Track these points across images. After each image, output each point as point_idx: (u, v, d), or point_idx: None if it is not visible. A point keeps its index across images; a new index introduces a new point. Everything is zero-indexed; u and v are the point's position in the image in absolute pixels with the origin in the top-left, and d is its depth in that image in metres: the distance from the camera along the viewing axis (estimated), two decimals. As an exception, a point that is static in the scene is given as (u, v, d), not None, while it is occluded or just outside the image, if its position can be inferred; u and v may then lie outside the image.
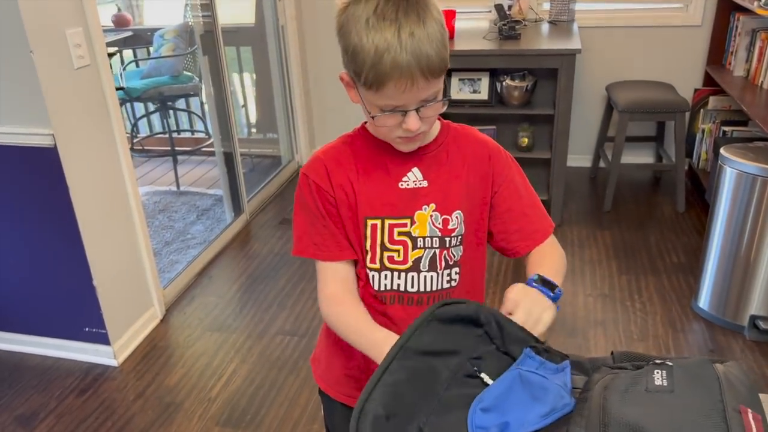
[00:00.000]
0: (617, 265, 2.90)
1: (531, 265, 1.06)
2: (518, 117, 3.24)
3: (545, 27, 3.52)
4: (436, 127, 1.08)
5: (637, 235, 3.15)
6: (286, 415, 2.10)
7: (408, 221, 1.04)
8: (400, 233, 1.05)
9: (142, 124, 4.66)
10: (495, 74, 3.20)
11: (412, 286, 1.06)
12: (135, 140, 4.33)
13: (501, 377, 0.82)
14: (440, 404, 0.82)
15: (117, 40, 4.41)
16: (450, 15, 3.23)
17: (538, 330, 0.89)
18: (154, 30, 4.22)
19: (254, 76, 4.27)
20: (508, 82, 3.11)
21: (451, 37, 3.27)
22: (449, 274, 1.07)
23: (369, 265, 1.07)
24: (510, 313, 0.90)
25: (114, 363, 2.37)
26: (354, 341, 1.03)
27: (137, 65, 4.42)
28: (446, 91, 0.99)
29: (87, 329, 2.35)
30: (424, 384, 0.83)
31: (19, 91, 1.98)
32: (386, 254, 1.05)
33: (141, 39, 4.34)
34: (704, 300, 2.53)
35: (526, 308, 0.90)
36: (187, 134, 4.55)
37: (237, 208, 3.46)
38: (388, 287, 1.07)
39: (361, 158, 1.06)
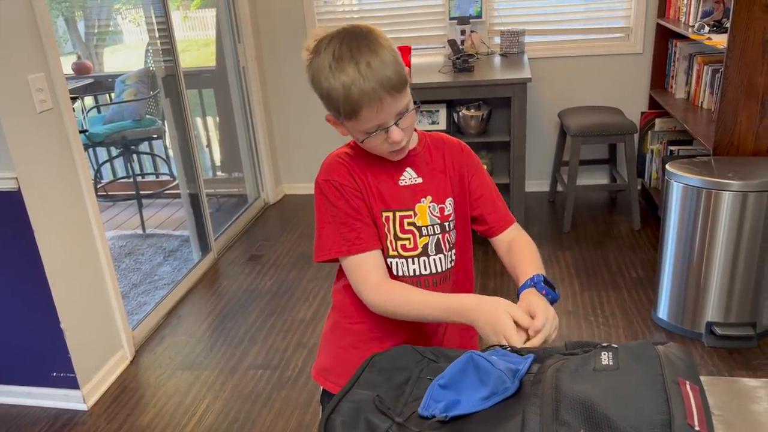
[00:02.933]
0: (579, 283, 2.99)
1: (516, 257, 1.19)
2: (476, 145, 3.35)
3: (497, 59, 3.68)
4: (415, 136, 1.24)
5: (596, 254, 3.26)
6: (262, 447, 2.10)
7: (411, 213, 1.19)
8: (408, 224, 1.19)
9: (106, 170, 4.66)
10: (452, 105, 3.32)
11: (425, 269, 1.20)
12: (99, 185, 4.31)
13: (458, 359, 0.88)
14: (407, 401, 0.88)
15: (78, 87, 4.43)
16: (406, 51, 3.36)
17: (551, 339, 1.00)
18: (115, 76, 4.26)
19: (217, 117, 4.34)
20: (464, 111, 3.23)
21: (408, 71, 3.39)
22: (451, 256, 1.22)
23: (391, 254, 1.19)
24: (537, 330, 0.99)
25: (83, 407, 2.34)
26: (431, 315, 1.12)
27: (99, 111, 4.44)
28: (415, 100, 1.15)
29: (55, 374, 2.32)
30: (392, 391, 0.90)
31: (-19, 137, 2.00)
32: (399, 243, 1.18)
33: (102, 85, 4.37)
34: (663, 310, 2.63)
35: (550, 326, 1.00)
36: (152, 177, 4.55)
37: (204, 248, 3.47)
38: (407, 273, 1.19)
39: (365, 162, 1.19)
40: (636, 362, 0.79)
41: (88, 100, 4.62)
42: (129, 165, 4.21)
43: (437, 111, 3.32)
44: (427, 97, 3.25)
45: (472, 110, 3.24)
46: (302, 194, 4.35)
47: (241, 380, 2.46)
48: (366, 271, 1.15)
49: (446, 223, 1.21)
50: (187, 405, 2.34)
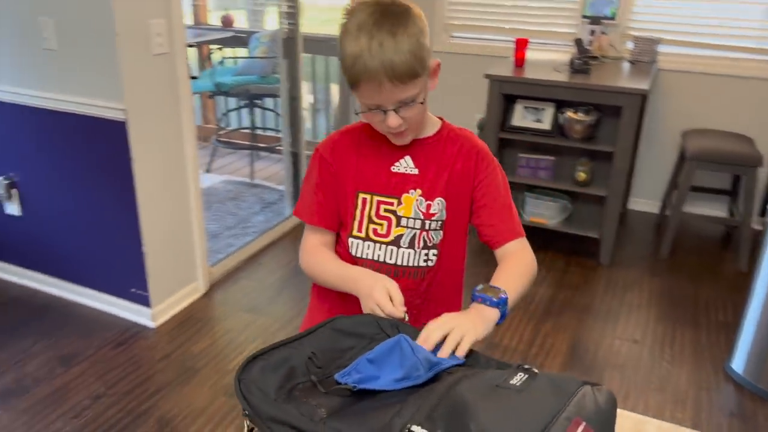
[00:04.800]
0: (656, 313, 2.80)
1: (498, 269, 1.16)
2: (578, 151, 3.22)
3: (625, 66, 3.47)
4: (436, 123, 1.23)
5: (687, 287, 3.03)
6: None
7: (395, 201, 1.19)
8: (386, 210, 1.19)
9: (231, 118, 4.99)
10: (561, 106, 3.19)
11: (390, 258, 1.20)
12: (222, 131, 4.65)
13: (388, 339, 0.90)
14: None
15: (223, 38, 4.77)
16: (522, 43, 3.28)
17: (460, 352, 0.96)
18: (253, 33, 4.54)
19: (337, 85, 4.50)
20: (569, 114, 3.10)
21: (521, 65, 3.30)
22: (426, 255, 1.20)
23: (355, 233, 1.21)
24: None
25: (151, 324, 2.59)
26: (332, 282, 1.20)
27: (235, 62, 4.77)
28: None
29: (132, 290, 2.58)
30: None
31: (100, 67, 2.25)
32: (372, 226, 1.20)
33: (241, 40, 4.67)
34: (738, 362, 2.40)
35: (442, 333, 0.97)
36: (270, 132, 4.82)
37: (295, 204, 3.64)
38: (369, 256, 1.20)
39: (365, 139, 1.22)
40: (547, 392, 0.76)
41: (228, 51, 4.97)
42: (251, 117, 4.49)
43: (543, 109, 3.21)
44: (535, 94, 3.16)
45: (580, 114, 3.10)
46: (404, 172, 4.40)
47: (292, 332, 2.59)
48: (308, 237, 1.26)
49: (428, 222, 1.19)
50: (237, 343, 2.51)
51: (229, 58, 4.89)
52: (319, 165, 1.23)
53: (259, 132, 4.70)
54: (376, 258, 1.20)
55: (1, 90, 2.48)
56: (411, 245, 1.19)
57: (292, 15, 3.31)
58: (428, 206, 1.19)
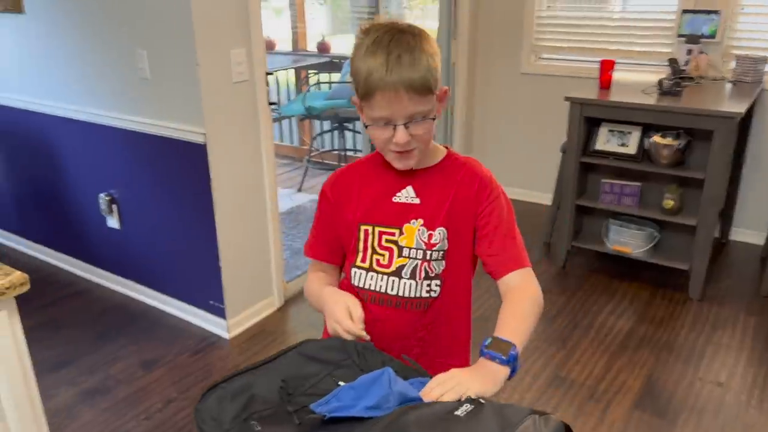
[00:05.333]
0: (748, 355, 2.57)
1: (502, 311, 1.12)
2: (666, 177, 3.04)
3: (727, 87, 3.25)
4: (440, 153, 1.23)
5: (788, 329, 2.75)
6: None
7: (397, 231, 1.20)
8: (387, 240, 1.20)
9: (326, 140, 5.18)
10: (648, 130, 3.04)
11: (392, 289, 1.20)
12: (313, 153, 4.83)
13: (375, 371, 0.92)
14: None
15: (318, 63, 4.99)
16: (608, 65, 3.16)
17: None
18: (346, 58, 4.71)
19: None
20: (655, 138, 2.94)
21: (607, 87, 3.19)
22: (429, 285, 1.20)
23: (358, 263, 1.23)
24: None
25: (226, 336, 2.73)
26: (314, 305, 1.27)
27: (329, 87, 4.96)
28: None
29: (211, 302, 2.74)
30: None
31: (185, 95, 2.43)
32: (375, 257, 1.21)
33: (336, 65, 4.85)
34: (839, 415, 2.15)
35: (443, 391, 0.94)
36: (361, 154, 4.95)
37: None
38: (372, 287, 1.22)
39: (368, 171, 1.25)
40: (491, 421, 0.75)
41: (324, 77, 5.17)
42: (341, 139, 4.64)
43: (629, 133, 3.07)
44: (619, 117, 3.03)
45: (668, 138, 2.93)
46: (489, 195, 4.35)
47: (355, 352, 2.64)
48: (309, 268, 1.33)
49: (430, 252, 1.18)
50: (303, 359, 2.59)
51: (324, 83, 5.09)
52: (320, 200, 1.29)
53: (349, 153, 4.84)
54: (378, 289, 1.21)
55: (103, 114, 2.75)
56: (413, 276, 1.19)
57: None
58: (430, 236, 1.18)
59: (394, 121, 1.09)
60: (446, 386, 0.94)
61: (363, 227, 1.21)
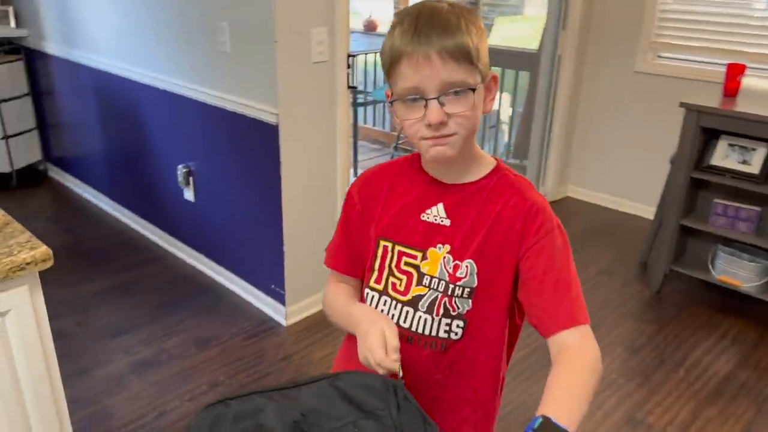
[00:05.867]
0: None
1: (550, 379, 0.90)
2: (794, 203, 2.62)
3: None
4: (486, 165, 1.02)
5: None
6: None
7: (420, 255, 1.01)
8: (407, 263, 1.03)
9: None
10: (778, 147, 2.63)
11: (405, 322, 1.02)
12: (401, 140, 4.67)
13: None
14: None
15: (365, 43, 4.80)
16: (736, 70, 2.76)
17: None
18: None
19: (516, 98, 4.29)
20: (785, 158, 2.53)
21: (732, 94, 2.79)
22: (449, 325, 1.00)
23: (372, 284, 1.07)
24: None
25: (284, 322, 2.66)
26: (341, 322, 1.10)
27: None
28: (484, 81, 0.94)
29: (272, 286, 2.67)
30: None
31: (261, 72, 2.35)
32: (391, 279, 1.04)
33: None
34: None
35: None
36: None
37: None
38: (386, 314, 1.04)
39: (399, 179, 1.07)
40: None
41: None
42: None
43: (753, 150, 2.67)
44: (743, 130, 2.64)
45: (801, 159, 2.52)
46: (585, 200, 4.02)
47: (413, 358, 2.48)
48: (329, 279, 1.17)
49: (453, 286, 0.98)
50: (356, 358, 2.47)
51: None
52: (345, 203, 1.12)
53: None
54: (391, 318, 1.03)
55: (185, 86, 2.73)
56: (429, 310, 1.00)
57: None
58: (455, 267, 0.98)
59: (424, 94, 0.89)
60: None
61: (382, 243, 1.04)
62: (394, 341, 0.93)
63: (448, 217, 1.00)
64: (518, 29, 4.51)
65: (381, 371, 0.92)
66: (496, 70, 4.17)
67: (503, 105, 4.54)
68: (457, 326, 1.00)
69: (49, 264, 1.29)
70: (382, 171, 1.10)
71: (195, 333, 2.58)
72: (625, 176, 3.81)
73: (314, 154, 2.54)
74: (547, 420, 0.80)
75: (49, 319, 2.62)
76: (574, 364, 0.89)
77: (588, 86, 3.84)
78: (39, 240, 1.32)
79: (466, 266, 0.98)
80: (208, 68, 2.59)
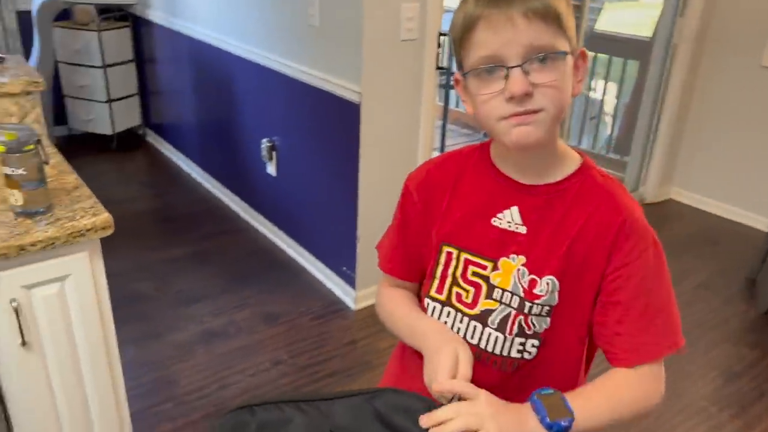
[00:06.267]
0: None
1: (598, 379, 0.85)
2: None
3: None
4: (571, 163, 0.88)
5: None
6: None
7: (490, 265, 0.89)
8: (474, 273, 0.91)
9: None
10: None
11: (473, 338, 0.91)
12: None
13: None
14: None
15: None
16: None
17: None
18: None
19: (622, 88, 3.99)
20: None
21: None
22: (522, 344, 0.89)
23: (433, 293, 0.95)
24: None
25: (352, 306, 2.60)
26: (402, 334, 0.99)
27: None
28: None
29: (344, 268, 2.62)
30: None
31: (347, 48, 2.27)
32: (455, 289, 0.93)
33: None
34: None
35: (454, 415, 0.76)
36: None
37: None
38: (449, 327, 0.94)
39: (467, 174, 0.94)
40: None
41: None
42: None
43: None
44: None
45: None
46: (689, 205, 3.69)
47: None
48: (383, 282, 1.08)
49: (530, 304, 0.86)
50: (423, 351, 2.38)
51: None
52: (402, 200, 1.00)
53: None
54: (455, 332, 0.92)
55: (273, 59, 2.70)
56: (501, 327, 0.88)
57: (578, 9, 2.95)
58: (532, 283, 0.86)
59: (504, 61, 0.76)
60: (459, 412, 0.75)
61: (446, 248, 0.93)
62: (466, 370, 0.82)
63: (524, 223, 0.87)
64: (630, 14, 4.18)
65: (442, 401, 0.82)
66: (603, 58, 3.88)
67: (608, 95, 4.25)
68: (532, 345, 0.89)
69: (109, 232, 1.28)
70: (445, 163, 0.98)
71: (264, 308, 2.58)
72: (738, 181, 3.46)
73: (395, 137, 2.44)
74: (556, 394, 0.77)
75: (130, 282, 2.71)
76: (626, 383, 0.82)
77: (704, 79, 3.49)
78: (101, 207, 1.31)
79: (547, 283, 0.86)
80: (296, 42, 2.55)
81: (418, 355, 0.93)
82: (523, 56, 0.75)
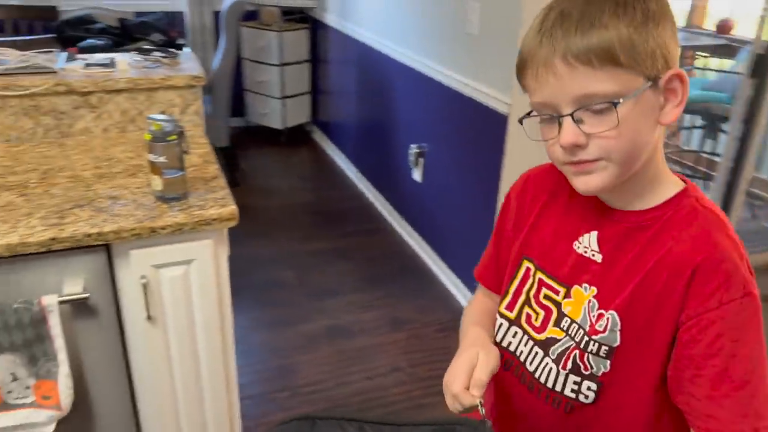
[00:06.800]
0: None
1: None
2: None
3: None
4: (668, 188, 0.77)
5: None
6: None
7: (563, 291, 0.83)
8: (546, 296, 0.85)
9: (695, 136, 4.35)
10: None
11: (531, 363, 0.85)
12: (671, 148, 4.10)
13: None
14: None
15: (711, 45, 4.15)
16: None
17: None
18: (747, 43, 3.78)
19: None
20: None
21: None
22: (577, 384, 0.80)
23: (503, 309, 0.91)
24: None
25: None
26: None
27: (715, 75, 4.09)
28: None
29: (475, 284, 2.54)
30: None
31: (499, 55, 2.20)
32: (526, 309, 0.87)
33: (731, 50, 3.95)
34: None
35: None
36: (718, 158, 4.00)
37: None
38: (512, 348, 0.88)
39: (563, 189, 0.87)
40: None
41: (714, 62, 4.29)
42: (710, 140, 3.81)
43: None
44: None
45: None
46: None
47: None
48: (476, 291, 1.07)
49: (589, 341, 0.76)
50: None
51: (710, 69, 4.22)
52: (503, 207, 0.95)
53: (716, 159, 3.97)
54: (518, 354, 0.86)
55: (428, 65, 2.69)
56: (558, 360, 0.80)
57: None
58: (598, 317, 0.76)
59: (557, 109, 0.70)
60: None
61: (525, 263, 0.87)
62: (481, 374, 0.77)
63: (601, 251, 0.79)
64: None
65: (456, 407, 0.77)
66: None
67: None
68: (588, 388, 0.79)
69: (233, 223, 1.34)
70: (545, 174, 0.91)
71: (392, 312, 2.59)
72: None
73: (540, 152, 2.30)
74: None
75: (275, 269, 2.85)
76: None
77: None
78: (231, 199, 1.38)
79: (608, 319, 0.76)
80: (452, 49, 2.51)
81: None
82: (573, 104, 0.69)
